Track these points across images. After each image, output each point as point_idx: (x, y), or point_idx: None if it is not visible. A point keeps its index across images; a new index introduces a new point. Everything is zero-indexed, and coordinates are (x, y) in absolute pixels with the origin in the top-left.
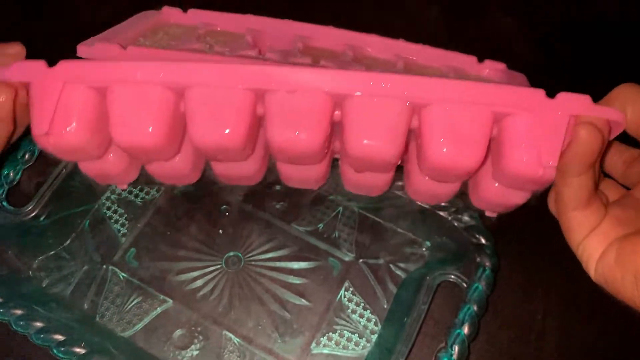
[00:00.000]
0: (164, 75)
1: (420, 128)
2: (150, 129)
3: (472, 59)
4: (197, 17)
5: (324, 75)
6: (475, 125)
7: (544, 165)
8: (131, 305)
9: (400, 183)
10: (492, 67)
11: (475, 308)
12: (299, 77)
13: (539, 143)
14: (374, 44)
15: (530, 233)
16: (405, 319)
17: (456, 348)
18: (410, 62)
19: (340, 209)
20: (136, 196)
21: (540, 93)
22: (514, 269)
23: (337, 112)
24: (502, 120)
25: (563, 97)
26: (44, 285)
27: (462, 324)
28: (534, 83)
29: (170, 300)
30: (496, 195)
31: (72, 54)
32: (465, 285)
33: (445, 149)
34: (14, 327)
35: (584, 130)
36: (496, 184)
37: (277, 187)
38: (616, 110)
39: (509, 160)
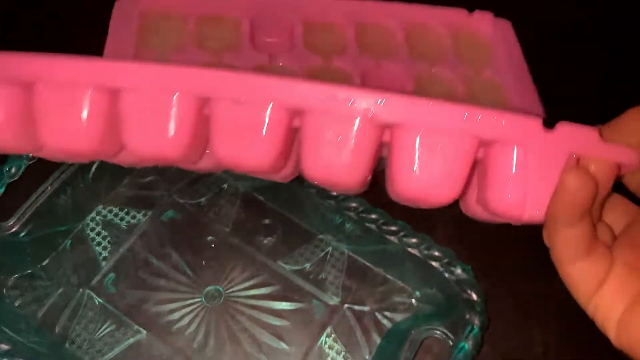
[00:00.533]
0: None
1: (391, 151)
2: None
3: (462, 12)
4: None
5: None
6: (454, 156)
7: (530, 209)
8: (104, 333)
9: (393, 228)
10: (480, 18)
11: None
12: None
13: (528, 182)
14: (371, 10)
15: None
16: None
17: None
18: (410, 28)
19: (330, 249)
20: (122, 219)
21: (536, 124)
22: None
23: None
24: (491, 145)
25: (563, 129)
26: (16, 305)
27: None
28: None
29: (145, 332)
30: (483, 216)
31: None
32: (451, 343)
33: (415, 181)
34: None
35: (572, 178)
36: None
37: (267, 221)
38: (629, 149)
39: (491, 196)
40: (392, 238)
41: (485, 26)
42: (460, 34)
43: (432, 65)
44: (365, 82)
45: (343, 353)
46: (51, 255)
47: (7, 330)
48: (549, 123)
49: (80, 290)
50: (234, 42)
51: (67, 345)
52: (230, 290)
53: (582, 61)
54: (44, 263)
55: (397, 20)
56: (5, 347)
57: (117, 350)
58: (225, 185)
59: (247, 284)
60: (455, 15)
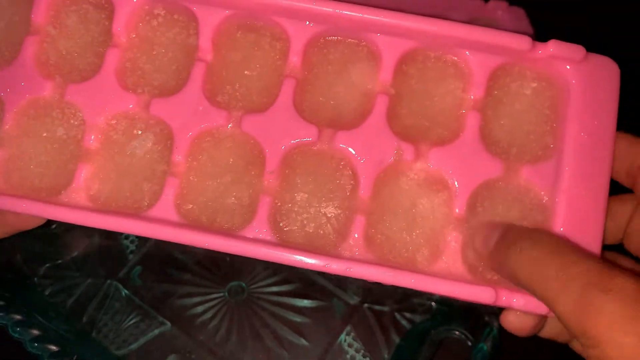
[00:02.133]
0: None
1: None
2: None
3: (477, 2)
4: None
5: None
6: None
7: None
8: (129, 323)
9: None
10: (495, 7)
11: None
12: None
13: None
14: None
15: None
16: None
17: None
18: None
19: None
20: None
21: None
22: None
23: None
24: None
25: None
26: (46, 294)
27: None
28: None
29: (169, 324)
30: None
31: None
32: (470, 344)
33: None
34: (11, 331)
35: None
36: None
37: None
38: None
39: None
40: None
41: (500, 14)
42: (477, 24)
43: None
44: None
45: (362, 351)
46: (82, 247)
47: (38, 317)
48: None
49: (108, 281)
50: None
51: (94, 334)
52: (253, 286)
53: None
54: (74, 254)
55: (414, 12)
56: (36, 332)
57: (142, 340)
58: None
59: (269, 281)
60: (471, 5)
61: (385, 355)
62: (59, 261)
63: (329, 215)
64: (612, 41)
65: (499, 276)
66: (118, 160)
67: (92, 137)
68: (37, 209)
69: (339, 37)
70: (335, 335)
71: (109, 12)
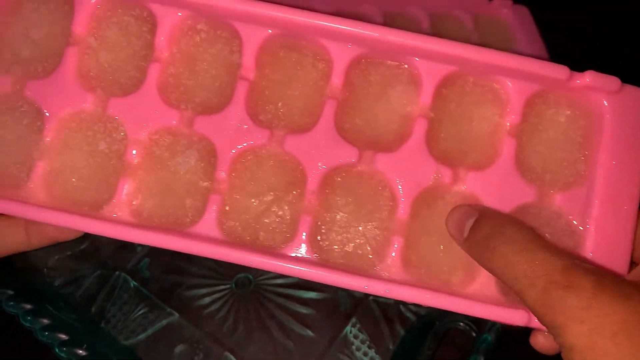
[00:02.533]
0: None
1: None
2: None
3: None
4: None
5: None
6: None
7: None
8: (137, 314)
9: None
10: (500, 5)
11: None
12: None
13: None
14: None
15: None
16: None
17: None
18: (434, 16)
19: None
20: None
21: None
22: None
23: None
24: None
25: None
26: (55, 285)
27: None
28: None
29: (177, 314)
30: None
31: None
32: (474, 335)
33: None
34: (22, 320)
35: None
36: None
37: None
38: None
39: None
40: None
41: (505, 12)
42: (481, 21)
43: None
44: None
45: (367, 343)
46: (90, 239)
47: (48, 307)
48: None
49: (116, 273)
50: None
51: (102, 324)
52: (260, 278)
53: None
54: (82, 246)
55: (421, 9)
56: (46, 321)
57: (150, 331)
58: None
59: (276, 273)
60: (476, 2)
61: (391, 347)
62: (69, 252)
63: (368, 236)
64: (613, 41)
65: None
66: (161, 175)
67: (135, 151)
68: (80, 224)
69: (380, 60)
70: (340, 327)
71: (151, 25)
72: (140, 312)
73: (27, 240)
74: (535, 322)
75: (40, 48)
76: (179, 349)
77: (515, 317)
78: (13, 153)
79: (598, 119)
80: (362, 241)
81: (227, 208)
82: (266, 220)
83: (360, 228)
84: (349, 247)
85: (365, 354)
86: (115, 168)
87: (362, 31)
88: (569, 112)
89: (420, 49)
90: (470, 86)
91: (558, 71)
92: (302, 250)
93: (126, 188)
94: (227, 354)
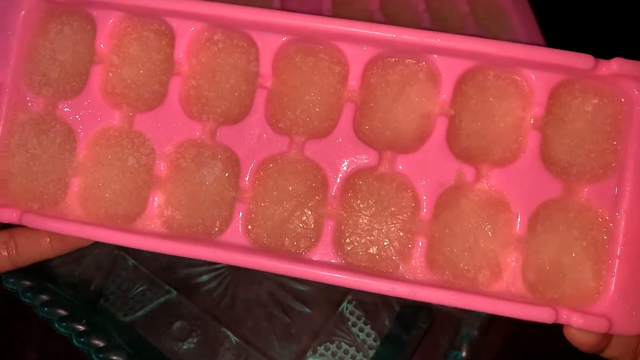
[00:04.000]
0: None
1: None
2: None
3: None
4: None
5: None
6: None
7: None
8: (136, 292)
9: None
10: None
11: (475, 333)
12: None
13: None
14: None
15: None
16: (404, 336)
17: (464, 348)
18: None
19: None
20: None
21: None
22: None
23: None
24: None
25: None
26: (54, 263)
27: (461, 346)
28: None
29: (175, 292)
30: None
31: None
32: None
33: None
34: (21, 297)
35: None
36: None
37: None
38: None
39: None
40: None
41: None
42: (477, 3)
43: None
44: None
45: (363, 319)
46: None
47: (48, 284)
48: None
49: (115, 251)
50: None
51: (101, 302)
52: None
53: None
54: None
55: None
56: (45, 297)
57: (148, 308)
58: None
59: None
60: None
61: (387, 323)
62: None
63: (391, 238)
64: (611, 25)
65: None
66: (189, 187)
67: (162, 165)
68: (117, 239)
69: (397, 59)
70: (337, 304)
71: (170, 38)
72: (138, 290)
73: (51, 248)
74: (562, 318)
75: (66, 69)
76: (177, 325)
77: (543, 314)
78: (49, 171)
79: (627, 107)
80: (385, 243)
81: (252, 216)
82: (290, 227)
83: (383, 230)
84: (373, 250)
85: (361, 330)
86: (145, 182)
87: (376, 33)
88: (596, 101)
89: (437, 46)
90: (491, 80)
91: (582, 61)
92: (327, 255)
93: (156, 200)
94: (225, 330)
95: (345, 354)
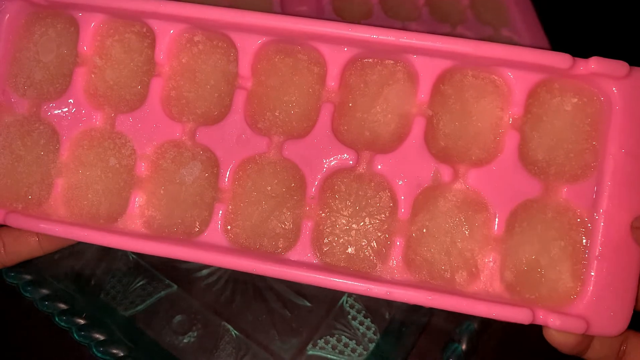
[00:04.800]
0: None
1: None
2: None
3: None
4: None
5: None
6: None
7: None
8: (136, 286)
9: None
10: None
11: (475, 326)
12: None
13: None
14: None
15: None
16: (404, 329)
17: (464, 340)
18: None
19: None
20: None
21: None
22: None
23: None
24: None
25: None
26: (55, 258)
27: (461, 338)
28: None
29: (175, 286)
30: None
31: None
32: None
33: None
34: (22, 291)
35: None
36: None
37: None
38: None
39: None
40: None
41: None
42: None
43: (454, 27)
44: None
45: (363, 312)
46: None
47: (48, 278)
48: None
49: None
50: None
51: (102, 295)
52: None
53: None
54: None
55: None
56: (45, 291)
57: (148, 302)
58: None
59: None
60: None
61: (387, 316)
62: None
63: (369, 238)
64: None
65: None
66: (169, 187)
67: (143, 165)
68: (97, 239)
69: (375, 59)
70: (337, 297)
71: (151, 40)
72: (139, 284)
73: (39, 246)
74: (540, 319)
75: (50, 70)
76: (177, 319)
77: (519, 315)
78: (33, 172)
79: (607, 106)
80: (363, 243)
81: (231, 216)
82: (269, 227)
83: (361, 230)
84: (351, 250)
85: (361, 323)
86: (127, 182)
87: (354, 33)
88: (575, 100)
89: (415, 46)
90: (469, 80)
91: (560, 60)
92: (305, 255)
93: (137, 201)
94: (225, 323)
95: (345, 347)
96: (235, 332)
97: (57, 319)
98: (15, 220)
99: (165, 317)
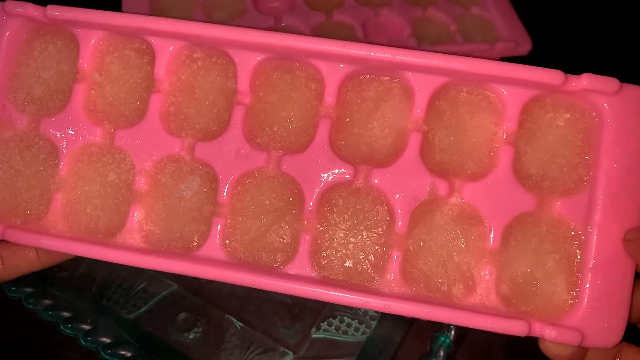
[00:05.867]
0: None
1: None
2: None
3: None
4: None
5: None
6: None
7: None
8: (138, 289)
9: None
10: None
11: None
12: None
13: None
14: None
15: None
16: None
17: (453, 328)
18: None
19: None
20: None
21: None
22: None
23: None
24: None
25: None
26: (55, 268)
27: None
28: None
29: (175, 285)
30: None
31: None
32: None
33: None
34: (25, 303)
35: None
36: None
37: None
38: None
39: None
40: None
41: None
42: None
43: (425, 9)
44: (367, 32)
45: None
46: None
47: (49, 288)
48: None
49: None
50: (240, 10)
51: (104, 301)
52: None
53: None
54: None
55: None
56: (48, 302)
57: (151, 303)
58: None
59: None
60: None
61: None
62: None
63: (367, 252)
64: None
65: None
66: (168, 202)
67: (142, 180)
68: (96, 253)
69: (372, 76)
70: None
71: (150, 57)
72: (140, 287)
73: (38, 261)
74: (535, 331)
75: (50, 86)
76: (181, 316)
77: (516, 327)
78: (33, 187)
79: (598, 121)
80: (361, 257)
81: (230, 230)
82: (267, 241)
83: (359, 244)
84: (349, 264)
85: None
86: (125, 197)
87: (351, 51)
88: (568, 116)
89: (410, 63)
90: (464, 96)
91: (552, 76)
92: (303, 269)
93: (136, 215)
94: (228, 316)
95: (348, 327)
96: (240, 323)
97: (62, 327)
98: (14, 235)
99: (169, 316)
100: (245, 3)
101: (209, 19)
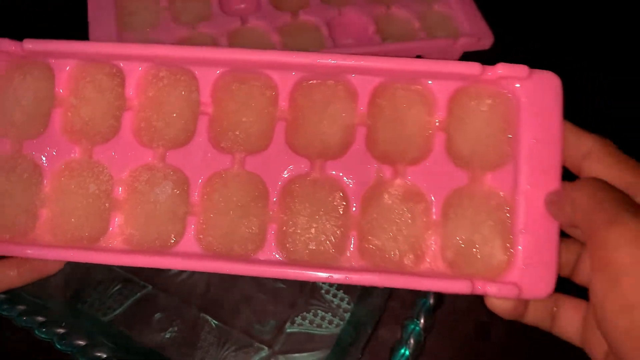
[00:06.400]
0: None
1: None
2: None
3: None
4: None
5: None
6: None
7: None
8: (113, 291)
9: None
10: None
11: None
12: None
13: None
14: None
15: None
16: (375, 292)
17: (422, 316)
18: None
19: None
20: None
21: None
22: None
23: None
24: None
25: None
26: None
27: (427, 295)
28: None
29: (150, 286)
30: None
31: None
32: None
33: None
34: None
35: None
36: None
37: None
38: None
39: None
40: None
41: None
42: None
43: (388, 6)
44: (332, 31)
45: (335, 285)
46: None
47: (23, 294)
48: None
49: None
50: (206, 12)
51: (79, 305)
52: None
53: None
54: None
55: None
56: (22, 307)
57: (126, 304)
58: None
59: None
60: None
61: (358, 285)
62: None
63: (327, 234)
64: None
65: None
66: (145, 207)
67: (120, 189)
68: (82, 257)
69: (319, 81)
70: None
71: (121, 79)
72: (115, 289)
73: (19, 277)
74: (478, 289)
75: (30, 112)
76: (156, 317)
77: (461, 286)
78: (19, 204)
79: (515, 104)
80: (322, 239)
81: (203, 226)
82: (238, 233)
83: (320, 228)
84: (312, 246)
85: (334, 296)
86: (106, 205)
87: (299, 59)
88: (490, 101)
89: (351, 67)
90: (400, 92)
91: (471, 68)
92: (272, 254)
93: (117, 221)
94: (203, 315)
95: (322, 320)
96: (215, 321)
97: (37, 332)
98: (4, 249)
99: (144, 316)
100: (211, 6)
101: (175, 23)
